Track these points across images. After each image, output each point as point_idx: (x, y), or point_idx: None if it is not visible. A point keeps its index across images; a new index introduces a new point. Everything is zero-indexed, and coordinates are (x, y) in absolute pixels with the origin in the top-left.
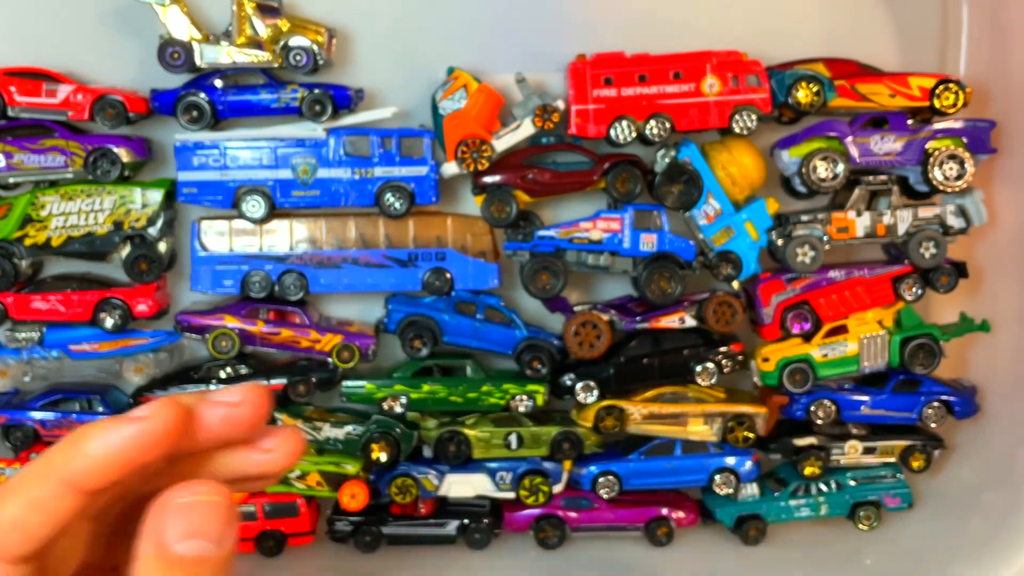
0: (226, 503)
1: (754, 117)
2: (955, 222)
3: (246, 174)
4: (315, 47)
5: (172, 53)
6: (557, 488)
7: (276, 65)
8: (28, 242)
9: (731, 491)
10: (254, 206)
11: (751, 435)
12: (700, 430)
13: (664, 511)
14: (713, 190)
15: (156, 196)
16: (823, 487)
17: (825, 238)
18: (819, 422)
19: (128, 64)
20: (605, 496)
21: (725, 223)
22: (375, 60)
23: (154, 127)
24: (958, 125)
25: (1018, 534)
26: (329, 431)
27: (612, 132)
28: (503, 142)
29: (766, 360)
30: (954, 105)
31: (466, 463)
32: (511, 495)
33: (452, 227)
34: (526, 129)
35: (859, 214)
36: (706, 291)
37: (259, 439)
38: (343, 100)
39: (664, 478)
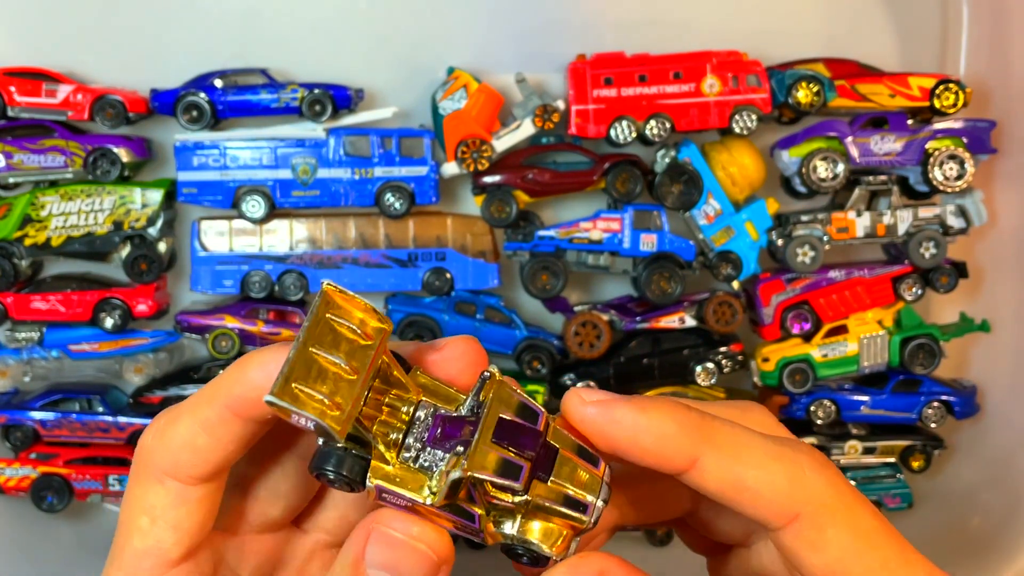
0: (430, 557)
1: (754, 117)
2: (955, 222)
3: (246, 174)
4: None
5: None
6: None
7: None
8: (28, 242)
9: None
10: (254, 206)
11: None
12: None
13: None
14: (713, 190)
15: (156, 196)
16: None
17: (825, 238)
18: (819, 422)
19: (128, 64)
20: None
21: (725, 223)
22: (375, 60)
23: (154, 127)
24: (958, 125)
25: (1018, 534)
26: None
27: (612, 132)
28: (503, 142)
29: (766, 360)
30: (954, 105)
31: None
32: None
33: (452, 227)
34: (526, 129)
35: (859, 214)
36: (706, 291)
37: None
38: (343, 100)
39: None
